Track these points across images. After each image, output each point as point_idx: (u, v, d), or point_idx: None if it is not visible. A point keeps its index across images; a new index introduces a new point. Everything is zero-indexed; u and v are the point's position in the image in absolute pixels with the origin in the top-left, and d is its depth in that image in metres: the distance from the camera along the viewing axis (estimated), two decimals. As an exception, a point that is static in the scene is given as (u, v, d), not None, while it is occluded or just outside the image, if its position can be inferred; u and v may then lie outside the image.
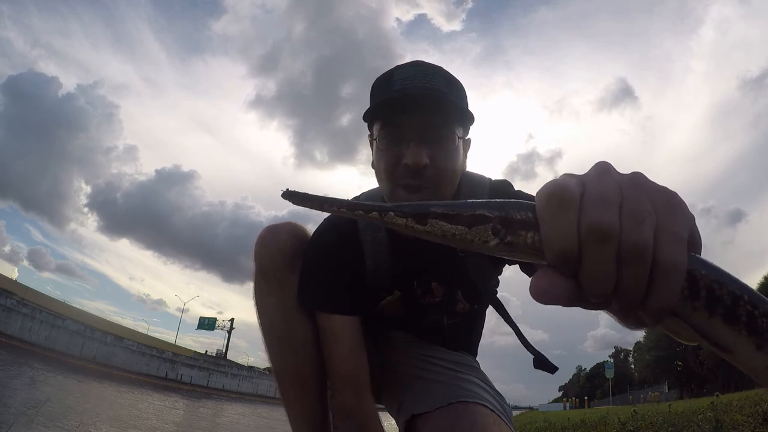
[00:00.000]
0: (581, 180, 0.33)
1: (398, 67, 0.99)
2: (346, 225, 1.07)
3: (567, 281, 0.32)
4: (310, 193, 0.38)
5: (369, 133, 1.03)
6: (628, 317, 0.33)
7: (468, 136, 1.01)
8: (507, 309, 1.25)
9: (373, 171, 1.03)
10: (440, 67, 0.98)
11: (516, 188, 1.09)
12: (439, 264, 1.08)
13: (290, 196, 0.39)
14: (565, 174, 0.35)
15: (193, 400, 15.41)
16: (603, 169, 0.34)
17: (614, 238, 0.30)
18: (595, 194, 0.32)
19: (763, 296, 0.33)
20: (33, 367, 10.74)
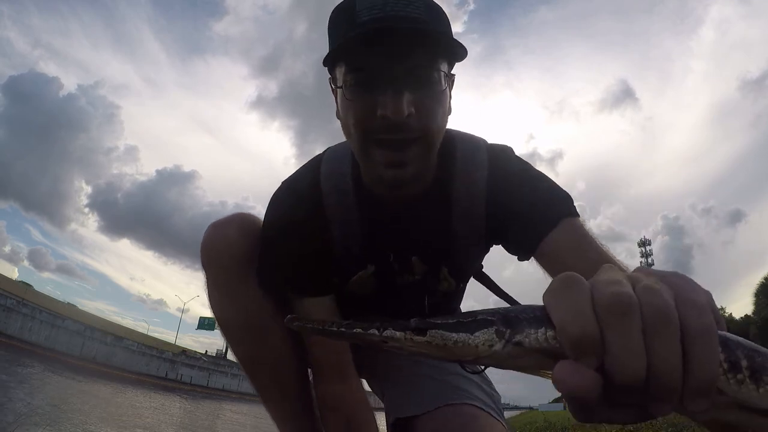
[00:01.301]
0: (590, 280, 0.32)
1: None
2: (306, 189, 0.92)
3: (592, 372, 0.28)
4: (312, 318, 0.38)
5: (330, 77, 0.83)
6: (667, 409, 0.29)
7: (453, 72, 0.82)
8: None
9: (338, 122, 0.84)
10: None
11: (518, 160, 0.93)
12: (422, 235, 0.93)
13: (291, 321, 0.39)
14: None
15: (193, 400, 15.40)
16: (607, 266, 0.34)
17: (635, 307, 0.28)
18: (605, 277, 0.31)
19: None
20: (33, 367, 10.73)
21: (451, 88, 0.83)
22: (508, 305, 0.35)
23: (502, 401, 1.12)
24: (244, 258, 0.92)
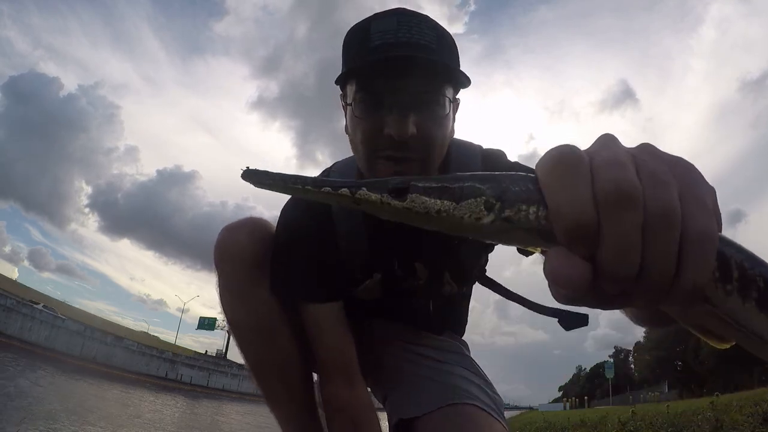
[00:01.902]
0: (587, 150, 0.29)
1: (376, 16, 0.83)
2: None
3: (585, 264, 0.26)
4: (271, 171, 0.33)
5: (341, 94, 0.89)
6: (653, 306, 0.28)
7: (458, 96, 0.87)
8: (504, 286, 1.11)
9: (347, 138, 0.89)
10: (426, 15, 0.83)
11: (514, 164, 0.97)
12: (424, 241, 0.97)
13: (250, 175, 0.33)
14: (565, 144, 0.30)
15: (193, 400, 15.40)
16: (608, 138, 0.30)
17: (639, 201, 0.25)
18: (607, 157, 0.27)
19: None
20: (33, 367, 10.73)
21: (455, 112, 0.88)
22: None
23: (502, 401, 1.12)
24: (255, 262, 0.94)
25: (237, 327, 1.00)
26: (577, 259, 0.26)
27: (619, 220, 0.25)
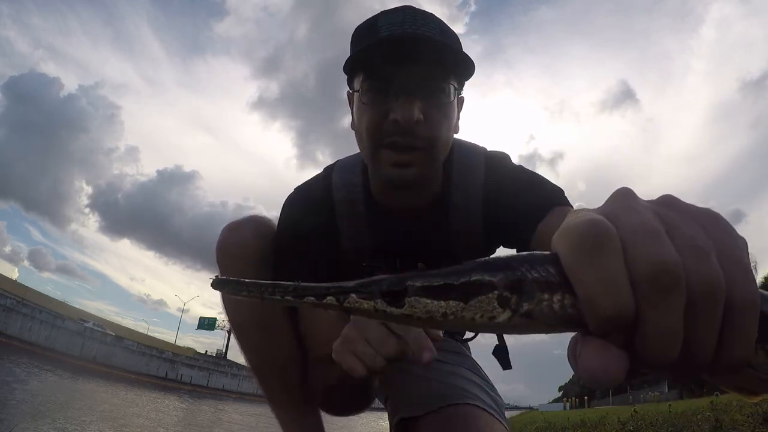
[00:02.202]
0: (605, 213, 0.25)
1: (384, 12, 0.85)
2: (319, 197, 0.96)
3: (624, 354, 0.23)
4: (246, 280, 0.30)
5: (348, 88, 0.90)
6: (691, 378, 0.26)
7: (462, 94, 0.89)
8: None
9: (347, 138, 0.89)
10: (432, 13, 0.85)
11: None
12: (426, 243, 0.96)
13: (221, 285, 0.30)
14: (580, 209, 0.27)
15: (193, 400, 15.41)
16: (628, 195, 0.26)
17: (682, 281, 0.22)
18: (637, 227, 0.23)
19: None
20: (33, 367, 10.74)
21: (460, 108, 0.89)
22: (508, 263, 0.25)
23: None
24: (258, 260, 0.93)
25: (239, 326, 1.00)
26: (615, 351, 0.23)
27: (663, 306, 0.22)
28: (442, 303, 0.25)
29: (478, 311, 0.25)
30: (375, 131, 0.81)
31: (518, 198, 0.88)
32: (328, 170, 1.01)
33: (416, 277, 0.27)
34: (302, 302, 0.28)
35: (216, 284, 0.31)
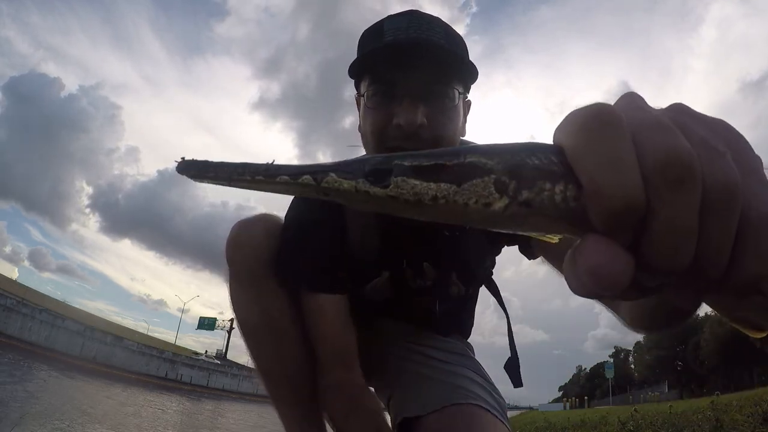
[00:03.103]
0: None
1: (390, 17, 0.87)
2: None
3: (629, 255, 0.21)
4: (213, 160, 0.26)
5: (356, 91, 0.92)
6: (697, 300, 0.24)
7: (468, 97, 0.90)
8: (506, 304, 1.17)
9: (359, 137, 0.91)
10: (438, 17, 0.85)
11: None
12: (431, 241, 0.97)
13: (187, 167, 0.27)
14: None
15: (193, 400, 15.42)
16: (635, 97, 0.24)
17: (698, 175, 0.20)
18: (647, 119, 0.21)
19: None
20: (33, 367, 10.75)
21: (466, 112, 0.91)
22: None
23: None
24: (269, 257, 0.94)
25: (246, 324, 1.00)
26: (621, 250, 0.21)
27: (675, 201, 0.20)
28: (432, 185, 0.22)
29: (472, 196, 0.22)
30: (379, 135, 0.83)
31: None
32: None
33: (405, 157, 0.24)
34: (275, 182, 0.25)
35: (181, 166, 0.27)
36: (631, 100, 0.24)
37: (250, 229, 0.97)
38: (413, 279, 1.01)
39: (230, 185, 0.26)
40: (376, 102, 0.83)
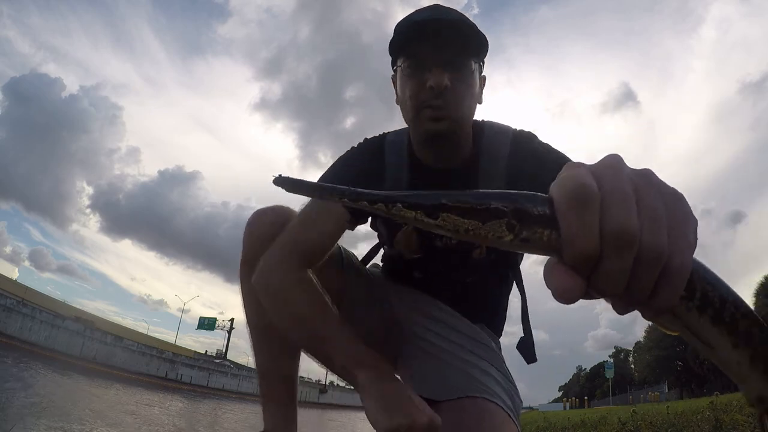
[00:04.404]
0: (595, 173, 0.33)
1: (417, 10, 1.05)
2: (374, 145, 1.13)
3: (583, 281, 0.32)
4: (306, 180, 0.36)
5: (392, 71, 1.08)
6: (626, 311, 0.34)
7: (483, 73, 1.06)
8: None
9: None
10: (459, 11, 1.04)
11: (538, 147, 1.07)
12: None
13: (283, 182, 0.36)
14: (577, 164, 0.35)
15: (193, 400, 15.41)
16: (616, 163, 0.34)
17: (636, 243, 0.31)
18: (615, 193, 0.32)
19: (742, 298, 0.37)
20: (33, 367, 10.74)
21: (482, 86, 1.06)
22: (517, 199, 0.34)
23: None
24: (272, 241, 1.01)
25: (257, 330, 1.10)
26: (578, 278, 0.32)
27: (619, 257, 0.30)
28: (466, 221, 0.34)
29: (490, 231, 0.33)
30: (416, 97, 0.98)
31: (542, 168, 0.96)
32: (381, 137, 1.17)
33: (448, 197, 0.35)
34: (357, 205, 0.35)
35: (278, 181, 0.36)
36: (611, 164, 0.34)
37: (268, 217, 1.07)
38: (439, 236, 1.09)
39: (320, 200, 0.36)
40: (411, 72, 0.99)
